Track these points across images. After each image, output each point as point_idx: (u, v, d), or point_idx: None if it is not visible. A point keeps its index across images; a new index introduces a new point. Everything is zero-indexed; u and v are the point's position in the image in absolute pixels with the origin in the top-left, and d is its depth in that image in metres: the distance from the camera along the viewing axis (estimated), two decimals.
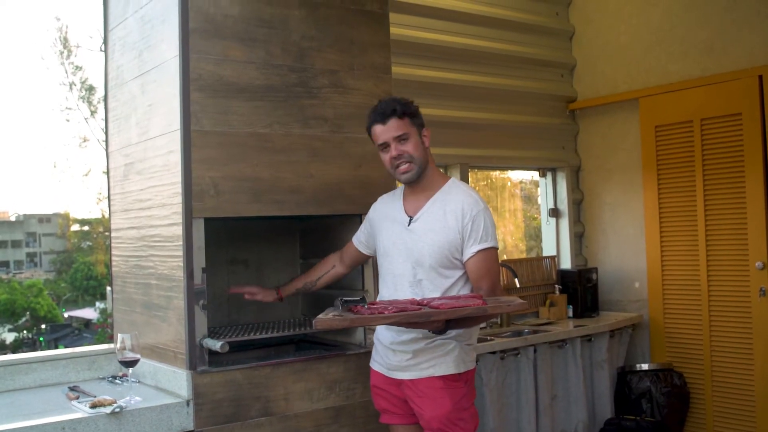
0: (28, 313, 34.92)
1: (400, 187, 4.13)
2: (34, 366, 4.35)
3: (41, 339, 34.01)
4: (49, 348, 31.04)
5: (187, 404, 3.78)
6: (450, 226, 3.84)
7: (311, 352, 4.42)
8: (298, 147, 4.19)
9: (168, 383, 3.99)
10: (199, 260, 3.89)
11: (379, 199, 4.24)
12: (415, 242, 3.90)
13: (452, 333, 3.78)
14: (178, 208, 3.89)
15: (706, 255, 6.37)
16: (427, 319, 3.45)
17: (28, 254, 47.25)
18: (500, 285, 4.05)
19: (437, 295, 3.83)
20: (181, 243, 3.87)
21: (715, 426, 6.35)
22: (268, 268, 4.99)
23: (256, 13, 4.10)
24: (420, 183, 3.96)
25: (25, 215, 48.22)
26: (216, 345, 3.79)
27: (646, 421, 6.13)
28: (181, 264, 3.88)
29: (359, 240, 4.32)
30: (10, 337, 33.76)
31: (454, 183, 4.01)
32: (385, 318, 3.44)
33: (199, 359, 3.84)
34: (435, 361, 3.83)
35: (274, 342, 4.75)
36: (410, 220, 3.95)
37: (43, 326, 35.28)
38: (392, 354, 3.94)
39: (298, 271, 5.08)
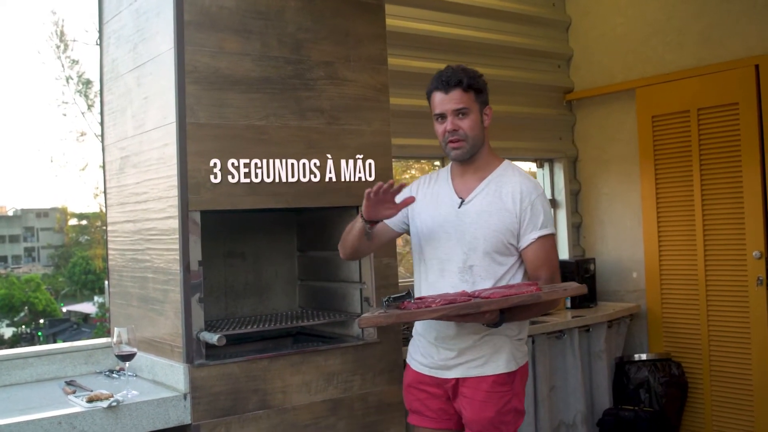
0: (26, 307, 34.91)
1: (445, 168, 3.95)
2: (30, 360, 4.34)
3: (39, 334, 33.99)
4: (47, 343, 31.04)
5: (185, 398, 3.78)
6: (507, 208, 3.66)
7: (309, 344, 4.41)
8: (295, 139, 4.18)
9: (165, 377, 3.98)
10: (196, 253, 3.88)
11: (420, 180, 4.02)
12: (468, 225, 3.69)
13: (507, 327, 3.61)
14: (174, 201, 3.88)
15: (703, 245, 6.36)
16: (478, 310, 3.29)
17: (26, 249, 47.22)
18: (559, 274, 3.81)
19: (489, 282, 3.65)
20: (177, 236, 3.87)
21: (714, 415, 6.36)
22: (266, 261, 4.99)
23: (251, 4, 4.09)
24: (473, 163, 3.77)
25: (22, 210, 48.17)
26: (213, 338, 3.78)
27: (645, 411, 6.13)
28: (178, 257, 3.87)
29: (394, 219, 3.88)
30: (8, 332, 33.73)
31: (509, 165, 3.83)
32: (432, 311, 3.31)
33: (196, 352, 3.84)
34: (484, 359, 3.66)
35: (271, 335, 4.76)
36: (462, 202, 3.75)
37: (42, 321, 35.27)
38: (436, 351, 3.76)
39: (296, 264, 5.08)
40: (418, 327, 3.89)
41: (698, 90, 6.38)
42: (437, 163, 6.86)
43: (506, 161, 3.84)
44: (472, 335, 3.64)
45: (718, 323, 6.33)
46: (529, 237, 3.64)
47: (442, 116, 3.69)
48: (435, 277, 3.78)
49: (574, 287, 3.51)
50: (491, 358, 3.65)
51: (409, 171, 10.26)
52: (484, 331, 3.61)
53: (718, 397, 6.34)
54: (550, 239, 3.70)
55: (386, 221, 3.92)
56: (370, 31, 4.51)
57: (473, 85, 3.66)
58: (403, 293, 3.52)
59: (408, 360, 3.96)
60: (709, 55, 6.37)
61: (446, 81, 3.65)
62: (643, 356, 6.50)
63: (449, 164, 3.92)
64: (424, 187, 3.93)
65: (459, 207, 3.74)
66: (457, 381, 3.71)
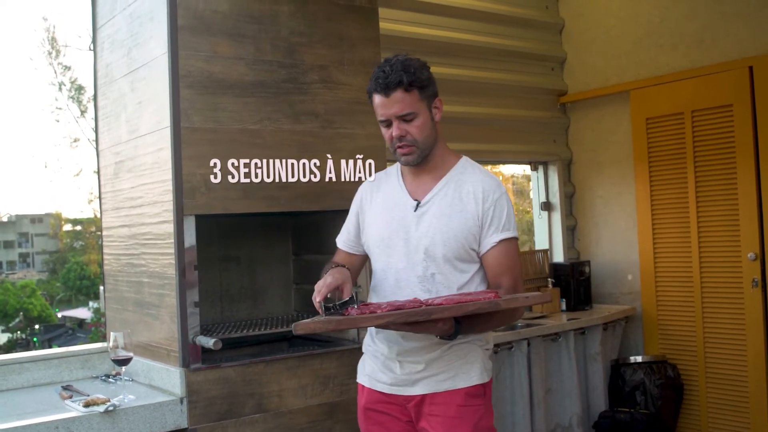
0: (21, 313, 34.90)
1: (395, 165, 3.57)
2: (26, 366, 4.34)
3: (35, 339, 33.98)
4: (42, 348, 31.00)
5: (181, 402, 3.78)
6: (468, 210, 3.29)
7: (304, 348, 4.41)
8: (289, 143, 4.18)
9: (161, 381, 3.98)
10: (191, 258, 3.88)
11: (366, 183, 3.69)
12: (426, 230, 3.31)
13: (467, 338, 3.26)
14: (169, 205, 3.88)
15: (698, 247, 6.37)
16: (429, 317, 2.92)
17: (21, 255, 47.23)
18: (522, 282, 3.39)
19: (451, 292, 3.25)
20: (172, 240, 3.87)
21: (710, 417, 6.36)
22: (261, 265, 4.99)
23: (244, 9, 4.09)
24: (427, 162, 3.39)
25: (17, 216, 48.19)
26: (209, 342, 3.78)
27: (641, 413, 6.14)
28: (173, 261, 3.87)
29: (345, 242, 3.68)
30: (3, 338, 33.73)
31: (468, 162, 3.45)
32: (377, 318, 2.93)
33: (192, 357, 3.84)
34: (454, 371, 3.28)
35: (267, 338, 4.75)
36: (417, 204, 3.37)
37: (37, 326, 35.26)
38: (398, 366, 3.34)
39: (291, 268, 5.08)
40: (376, 342, 3.47)
41: (692, 92, 6.39)
42: None
43: (464, 158, 3.49)
44: (439, 345, 3.26)
45: (714, 325, 6.33)
46: (491, 240, 3.29)
47: (387, 122, 3.31)
48: (390, 289, 3.40)
49: (537, 295, 3.22)
50: (462, 369, 3.29)
51: None
52: (443, 341, 3.24)
53: (713, 399, 6.35)
54: (513, 243, 3.34)
55: (345, 248, 3.67)
56: (364, 35, 4.51)
57: (415, 83, 3.26)
58: (348, 298, 3.13)
59: (359, 379, 3.55)
60: (703, 56, 6.38)
61: (385, 84, 3.26)
62: (639, 358, 6.51)
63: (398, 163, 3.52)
64: (373, 189, 3.60)
65: (415, 210, 3.38)
66: (423, 398, 3.31)
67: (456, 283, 3.30)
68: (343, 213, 4.45)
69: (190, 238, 3.87)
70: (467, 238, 3.29)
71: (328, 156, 4.31)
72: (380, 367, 3.43)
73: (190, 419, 3.78)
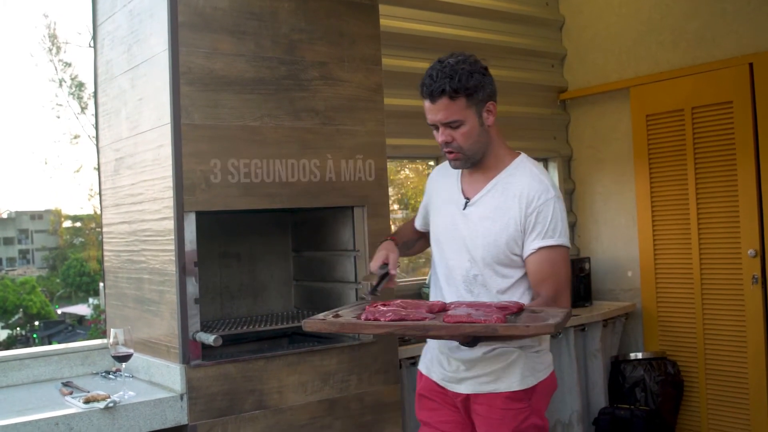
0: (21, 310, 34.91)
1: None
2: (26, 362, 4.34)
3: (35, 336, 33.99)
4: (42, 345, 31.00)
5: (181, 398, 3.78)
6: (511, 214, 3.25)
7: (305, 344, 4.41)
8: (289, 139, 4.18)
9: (161, 378, 3.98)
10: (191, 254, 3.87)
11: (437, 168, 3.73)
12: (470, 231, 3.34)
13: (488, 347, 3.27)
14: (170, 202, 3.88)
15: (698, 243, 6.37)
16: (426, 333, 2.95)
17: (21, 251, 47.23)
18: (568, 293, 3.31)
19: (492, 296, 3.27)
20: (172, 237, 3.87)
21: (710, 413, 6.37)
22: (261, 262, 4.99)
23: (245, 5, 4.09)
24: (482, 163, 3.37)
25: (16, 212, 48.21)
26: (209, 339, 3.78)
27: (640, 409, 6.14)
28: (173, 258, 3.87)
29: (419, 222, 3.83)
30: (3, 335, 33.75)
31: (522, 162, 3.39)
32: (378, 327, 2.97)
33: (192, 353, 3.84)
34: (496, 375, 3.30)
35: (267, 335, 4.75)
36: (466, 203, 3.40)
37: (37, 323, 35.27)
38: (446, 361, 3.44)
39: (291, 265, 5.08)
40: None
41: (692, 89, 6.38)
42: (431, 162, 6.87)
43: (521, 157, 3.42)
44: (481, 348, 3.26)
45: (714, 322, 6.33)
46: (531, 246, 3.24)
47: (435, 126, 3.33)
48: (443, 282, 3.49)
49: (540, 326, 2.83)
50: (504, 374, 3.30)
51: (403, 170, 10.28)
52: (494, 343, 3.25)
53: (713, 395, 6.35)
54: (559, 251, 3.25)
55: (422, 227, 3.82)
56: (364, 32, 4.51)
57: (461, 90, 3.21)
58: (384, 273, 3.38)
59: (420, 366, 3.67)
60: (703, 53, 6.38)
61: (429, 91, 3.26)
62: (639, 355, 6.51)
63: None
64: (438, 179, 3.65)
65: (463, 208, 3.40)
66: (468, 397, 3.40)
67: (497, 287, 3.31)
68: (342, 210, 4.48)
69: (190, 235, 3.87)
70: (508, 243, 3.27)
71: (329, 153, 4.30)
72: (435, 358, 3.53)
73: (190, 415, 3.79)
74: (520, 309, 3.01)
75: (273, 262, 5.04)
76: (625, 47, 6.95)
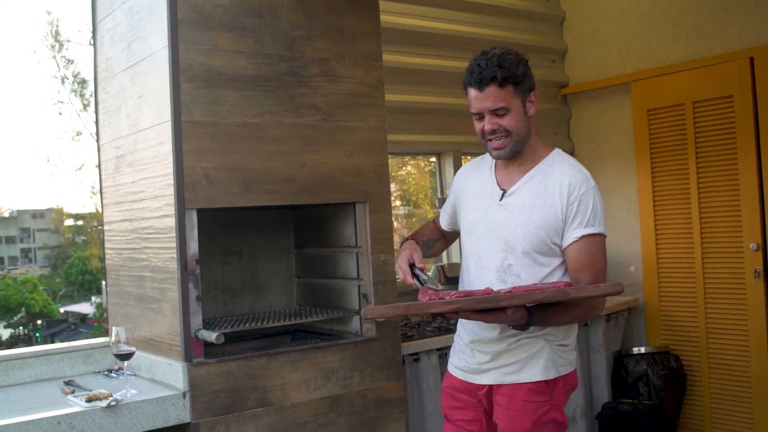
0: (23, 309, 34.95)
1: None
2: (28, 361, 4.34)
3: (37, 335, 34.04)
4: (45, 344, 31.02)
5: (184, 396, 3.77)
6: (552, 204, 3.32)
7: (307, 341, 4.41)
8: (290, 136, 4.17)
9: (164, 375, 3.98)
10: (193, 252, 3.87)
11: (465, 166, 3.79)
12: (508, 221, 3.38)
13: (540, 331, 3.34)
14: (171, 199, 3.87)
15: (700, 238, 6.36)
16: (496, 305, 2.98)
17: (23, 250, 47.29)
18: (605, 281, 3.38)
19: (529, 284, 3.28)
20: (174, 234, 3.86)
21: (713, 407, 6.36)
22: (262, 259, 4.99)
23: (244, 2, 4.08)
24: (519, 155, 3.43)
25: (18, 211, 48.27)
26: (211, 336, 3.78)
27: (644, 404, 6.13)
28: (175, 256, 3.86)
29: (444, 220, 3.90)
30: (5, 334, 33.77)
31: (559, 154, 3.49)
32: (446, 304, 3.00)
33: (194, 351, 3.83)
34: (519, 365, 3.37)
35: (269, 332, 4.76)
36: (503, 194, 3.45)
37: (39, 322, 35.32)
38: (471, 354, 3.51)
39: (293, 262, 5.08)
40: (460, 328, 3.65)
41: (693, 83, 6.38)
42: (433, 159, 6.87)
43: (556, 150, 3.52)
44: (508, 338, 3.35)
45: (716, 316, 6.33)
46: (573, 234, 3.30)
47: (479, 115, 3.38)
48: (473, 274, 3.53)
49: (608, 285, 3.12)
50: (527, 364, 3.36)
51: (405, 167, 10.27)
52: (520, 333, 3.32)
53: (716, 389, 6.35)
54: (598, 240, 3.33)
55: (442, 225, 3.91)
56: (365, 28, 4.50)
57: (510, 78, 3.28)
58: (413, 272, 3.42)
59: (448, 366, 3.72)
60: (704, 48, 6.37)
61: (479, 78, 3.30)
62: (642, 349, 6.50)
63: None
64: (468, 175, 3.71)
65: (500, 200, 3.45)
66: (491, 388, 3.46)
67: (534, 276, 3.35)
68: (344, 206, 4.48)
69: (191, 233, 3.86)
70: (548, 232, 3.33)
71: (330, 149, 4.30)
72: (459, 352, 3.61)
73: (192, 413, 3.78)
74: (568, 286, 3.11)
75: (275, 259, 5.04)
76: (625, 42, 6.95)
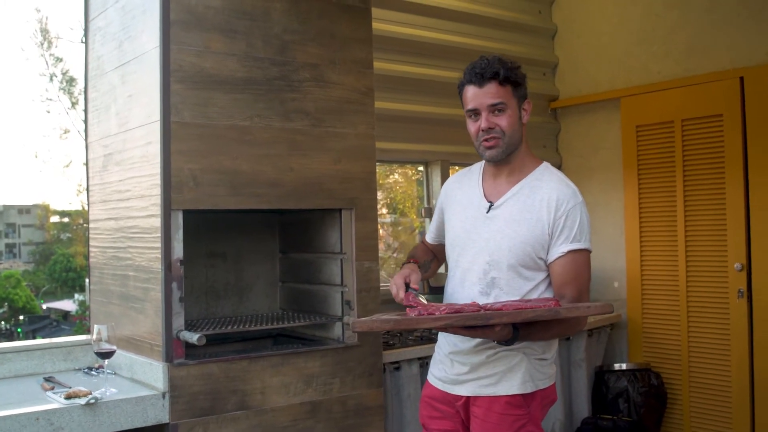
0: (5, 304, 34.84)
1: (479, 164, 3.62)
2: (9, 356, 4.32)
3: (19, 330, 33.94)
4: (26, 339, 30.96)
5: (163, 396, 3.77)
6: (539, 218, 3.31)
7: (289, 346, 4.40)
8: (279, 140, 4.17)
9: (144, 375, 3.97)
10: (178, 252, 3.87)
11: (452, 177, 3.79)
12: (494, 234, 3.37)
13: (520, 345, 3.29)
14: (157, 199, 3.87)
15: (685, 255, 6.38)
16: (486, 322, 2.93)
17: (7, 245, 47.15)
18: (588, 296, 3.40)
19: (512, 299, 3.28)
20: (159, 235, 3.86)
21: (692, 426, 6.37)
22: (247, 262, 4.98)
23: (237, 4, 4.08)
24: (507, 164, 3.43)
25: (4, 206, 48.11)
26: (193, 337, 3.77)
27: (623, 420, 6.14)
28: (159, 256, 3.86)
29: (431, 234, 3.89)
30: None
31: (547, 168, 3.49)
32: (435, 320, 2.98)
33: (175, 351, 3.83)
34: (497, 378, 3.35)
35: (251, 335, 4.76)
36: (490, 207, 3.43)
37: (21, 317, 35.21)
38: (450, 365, 3.49)
39: (277, 266, 5.07)
40: (439, 339, 3.64)
41: (683, 101, 6.40)
42: (420, 168, 6.87)
43: (544, 164, 3.52)
44: (486, 350, 3.34)
45: (699, 334, 6.34)
46: (559, 249, 3.30)
47: (476, 112, 3.36)
48: (457, 285, 3.52)
49: (599, 305, 3.09)
50: (505, 377, 3.34)
51: (392, 175, 10.27)
52: (499, 346, 3.29)
53: (696, 408, 6.36)
54: (584, 255, 3.33)
55: (431, 241, 3.90)
56: (357, 35, 4.51)
57: (511, 78, 3.32)
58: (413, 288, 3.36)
59: (428, 376, 3.70)
60: (695, 66, 6.40)
61: (480, 73, 3.32)
62: (623, 366, 6.51)
63: (483, 162, 3.59)
64: (455, 187, 3.70)
65: (487, 212, 3.44)
66: (468, 399, 3.43)
67: (519, 289, 3.35)
68: (330, 212, 4.48)
69: (177, 233, 3.86)
70: (534, 246, 3.32)
71: (318, 155, 4.30)
72: (438, 364, 3.59)
73: (171, 414, 3.77)
74: (557, 304, 3.08)
75: (259, 263, 5.03)
76: (616, 57, 6.97)
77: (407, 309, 3.16)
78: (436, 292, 5.78)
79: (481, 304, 3.16)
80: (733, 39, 6.16)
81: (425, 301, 3.26)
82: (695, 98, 6.32)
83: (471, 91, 3.36)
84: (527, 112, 3.42)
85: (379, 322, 3.11)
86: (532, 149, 3.59)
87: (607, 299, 6.99)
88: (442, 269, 4.29)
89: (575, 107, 7.34)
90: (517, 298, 3.31)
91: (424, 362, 4.93)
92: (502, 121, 3.33)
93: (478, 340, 3.32)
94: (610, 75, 7.03)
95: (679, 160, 6.39)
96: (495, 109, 3.32)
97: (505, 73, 3.30)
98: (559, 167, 7.42)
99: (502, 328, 3.04)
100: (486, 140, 3.36)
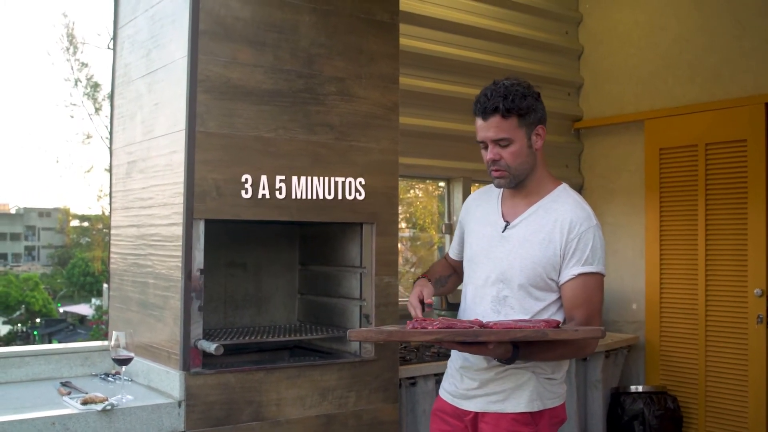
0: (23, 306, 34.96)
1: None
2: (27, 360, 4.34)
3: (35, 333, 34.05)
4: (42, 342, 31.08)
5: (179, 405, 3.77)
6: (552, 239, 3.31)
7: (305, 358, 4.41)
8: (302, 153, 4.18)
9: (160, 383, 3.97)
10: (198, 261, 3.87)
11: (474, 194, 3.80)
12: (507, 253, 3.39)
13: (528, 363, 3.32)
14: (179, 208, 3.88)
15: (705, 279, 6.36)
16: (475, 339, 2.97)
17: (27, 247, 47.37)
18: (600, 319, 3.36)
19: (523, 317, 3.32)
20: (180, 243, 3.86)
21: None
22: (266, 273, 4.99)
23: (266, 17, 4.09)
24: (524, 187, 3.44)
25: (25, 208, 48.37)
26: (211, 347, 3.78)
27: None
28: (180, 264, 3.87)
29: (454, 250, 3.86)
30: (3, 330, 33.80)
31: (564, 190, 3.48)
32: (426, 334, 3.01)
33: (192, 360, 3.83)
34: (505, 395, 3.36)
35: (268, 347, 4.75)
36: (506, 226, 3.45)
37: (38, 320, 35.32)
38: (460, 379, 3.50)
39: (296, 278, 5.07)
40: (452, 353, 3.62)
41: (707, 125, 6.39)
42: (442, 184, 6.87)
43: (563, 186, 3.50)
44: (496, 367, 3.34)
45: (716, 359, 6.32)
46: (570, 272, 3.30)
47: (484, 144, 3.39)
48: (469, 302, 3.54)
49: (588, 329, 3.14)
50: (513, 394, 3.35)
51: (413, 190, 10.27)
52: (502, 364, 3.30)
53: None
54: (596, 278, 3.31)
55: (453, 256, 3.87)
56: (384, 50, 4.51)
57: (513, 110, 3.28)
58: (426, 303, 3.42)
59: (440, 391, 3.71)
60: (720, 90, 6.38)
61: (483, 108, 3.32)
62: (639, 388, 6.48)
63: None
64: (475, 205, 3.71)
65: (503, 231, 3.45)
66: (477, 415, 3.43)
67: (529, 309, 3.35)
68: (351, 225, 4.48)
69: (198, 242, 3.87)
70: (546, 267, 3.32)
71: (341, 168, 4.30)
72: (450, 376, 3.61)
73: (187, 423, 3.78)
74: (557, 325, 3.10)
75: (279, 274, 5.04)
76: (641, 80, 6.96)
77: (408, 322, 3.20)
78: (454, 308, 5.78)
79: (492, 321, 3.20)
80: (760, 65, 6.15)
81: (436, 318, 3.26)
82: (719, 123, 6.31)
83: (478, 123, 3.38)
84: (541, 137, 3.41)
85: (374, 332, 3.23)
86: (554, 168, 3.59)
87: (625, 321, 6.99)
88: (461, 286, 4.27)
89: (599, 128, 7.33)
90: (527, 317, 3.32)
91: (440, 378, 4.90)
92: (507, 154, 3.34)
93: (488, 358, 3.34)
94: (635, 97, 7.02)
95: (701, 184, 6.37)
96: (498, 143, 3.33)
97: (506, 106, 3.28)
98: (580, 188, 7.41)
99: (497, 346, 3.08)
100: (494, 170, 3.39)
